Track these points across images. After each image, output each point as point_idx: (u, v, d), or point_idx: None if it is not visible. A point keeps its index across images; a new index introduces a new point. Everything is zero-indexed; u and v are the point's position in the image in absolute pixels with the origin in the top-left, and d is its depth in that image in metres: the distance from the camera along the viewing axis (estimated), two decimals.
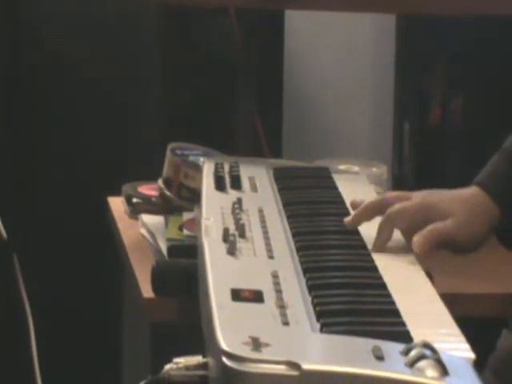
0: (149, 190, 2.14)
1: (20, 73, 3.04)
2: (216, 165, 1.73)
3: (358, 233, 1.45)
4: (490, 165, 1.56)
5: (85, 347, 3.05)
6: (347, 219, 1.45)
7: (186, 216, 1.93)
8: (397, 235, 1.44)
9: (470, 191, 1.52)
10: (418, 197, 1.51)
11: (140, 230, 2.05)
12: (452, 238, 1.44)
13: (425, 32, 2.69)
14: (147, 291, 1.72)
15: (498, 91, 2.41)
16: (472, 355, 1.01)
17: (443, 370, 0.90)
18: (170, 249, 1.81)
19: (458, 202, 1.51)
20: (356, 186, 1.77)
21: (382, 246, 1.41)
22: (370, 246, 1.41)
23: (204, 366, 1.10)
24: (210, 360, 1.07)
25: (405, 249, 1.43)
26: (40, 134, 3.03)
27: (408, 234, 1.42)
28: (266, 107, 2.73)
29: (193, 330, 1.25)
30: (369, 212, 1.46)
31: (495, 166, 1.56)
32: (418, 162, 2.67)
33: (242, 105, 2.67)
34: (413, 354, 0.92)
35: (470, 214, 1.49)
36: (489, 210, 1.50)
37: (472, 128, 2.47)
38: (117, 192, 2.22)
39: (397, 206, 1.44)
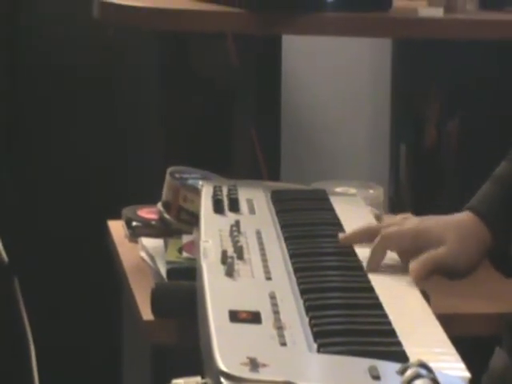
0: (148, 213, 2.14)
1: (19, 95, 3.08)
2: (214, 188, 1.74)
3: (354, 254, 1.45)
4: (482, 190, 1.58)
5: (84, 370, 3.06)
6: (342, 235, 1.48)
7: (186, 239, 1.93)
8: (393, 256, 1.47)
9: (463, 216, 1.55)
10: (413, 222, 1.54)
11: (140, 253, 2.05)
12: (446, 265, 1.47)
13: (420, 55, 2.72)
14: (147, 314, 1.72)
15: (493, 113, 2.44)
16: (467, 374, 1.02)
17: None
18: (170, 271, 1.82)
19: (452, 228, 1.53)
20: (353, 208, 1.79)
21: (374, 266, 1.43)
22: (369, 274, 1.42)
23: None
24: (208, 381, 1.06)
25: (401, 270, 1.44)
26: (39, 156, 3.07)
27: (402, 256, 1.46)
28: (264, 131, 2.74)
29: (192, 352, 1.25)
30: (365, 234, 1.50)
31: (487, 192, 1.58)
32: (414, 184, 2.67)
33: (240, 129, 2.68)
34: (409, 373, 0.92)
35: (463, 240, 1.52)
36: (481, 235, 1.53)
37: (468, 150, 2.49)
38: (117, 215, 2.22)
39: (391, 229, 1.47)
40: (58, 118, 3.08)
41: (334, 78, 3.15)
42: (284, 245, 1.47)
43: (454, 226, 1.53)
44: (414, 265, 1.41)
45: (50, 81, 3.13)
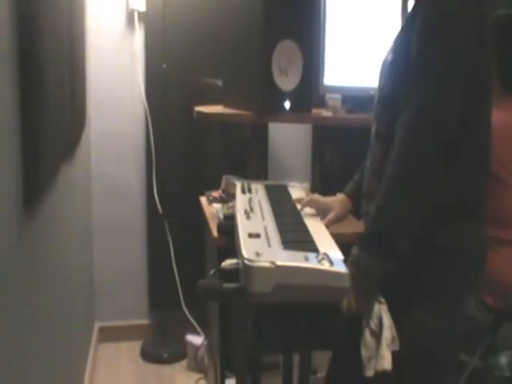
0: (215, 193, 3.17)
1: None
2: (242, 183, 2.51)
3: (298, 210, 2.21)
4: (349, 184, 2.35)
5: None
6: (292, 200, 2.27)
7: (230, 204, 2.79)
8: (312, 211, 2.24)
9: (341, 195, 2.34)
10: (319, 197, 2.32)
11: (212, 210, 2.95)
12: (336, 218, 2.27)
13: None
14: (215, 233, 2.56)
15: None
16: (342, 257, 1.68)
17: (331, 263, 1.64)
18: (224, 217, 2.61)
19: (336, 200, 2.33)
20: (296, 192, 2.51)
21: (302, 209, 2.19)
22: (304, 217, 2.13)
23: (237, 263, 1.79)
24: (239, 261, 1.72)
25: (315, 216, 2.20)
26: None
27: (316, 210, 2.25)
28: (260, 159, 3.49)
29: (233, 250, 1.87)
30: (302, 200, 2.26)
31: (350, 184, 2.35)
32: (323, 181, 3.61)
33: (253, 158, 3.38)
34: (320, 257, 1.66)
35: (341, 205, 2.31)
36: (348, 203, 2.33)
37: (342, 173, 3.02)
38: (203, 194, 3.20)
39: (311, 198, 2.28)
40: None
41: None
42: (270, 207, 2.19)
43: (337, 200, 2.34)
44: (325, 220, 2.20)
45: None
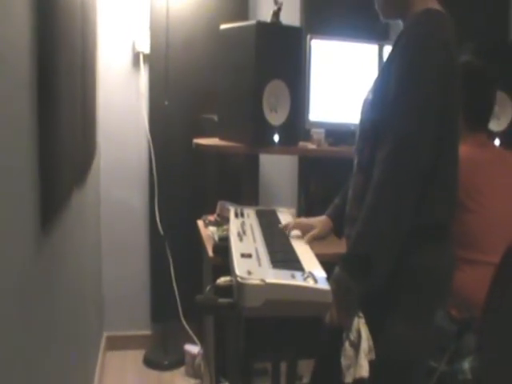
0: (211, 217, 3.15)
1: None
2: (235, 208, 2.56)
3: (285, 233, 2.23)
4: (330, 206, 2.35)
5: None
6: (280, 225, 2.31)
7: (225, 227, 2.74)
8: (298, 233, 2.25)
9: (323, 217, 2.34)
10: (304, 220, 2.35)
11: (208, 232, 2.89)
12: (317, 236, 2.28)
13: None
14: (210, 253, 2.54)
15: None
16: (325, 275, 1.72)
17: (315, 281, 1.67)
18: (219, 238, 2.59)
19: (318, 221, 2.33)
20: (284, 216, 2.53)
21: (288, 233, 2.22)
22: (291, 239, 2.15)
23: (231, 280, 1.82)
24: (233, 279, 1.74)
25: (301, 238, 2.22)
26: None
27: (301, 232, 2.26)
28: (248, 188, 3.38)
29: (227, 269, 1.86)
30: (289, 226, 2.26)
31: (331, 207, 2.36)
32: (308, 206, 3.65)
33: (246, 187, 3.34)
34: (305, 275, 1.69)
35: (323, 226, 2.31)
36: (329, 223, 2.32)
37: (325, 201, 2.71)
38: (200, 217, 3.20)
39: (297, 222, 2.33)
40: None
41: None
42: (261, 230, 2.20)
43: (320, 221, 2.34)
44: (306, 238, 2.23)
45: None
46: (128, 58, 4.04)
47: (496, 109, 3.02)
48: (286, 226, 2.28)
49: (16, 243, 1.28)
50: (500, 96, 3.18)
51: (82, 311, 2.66)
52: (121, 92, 4.04)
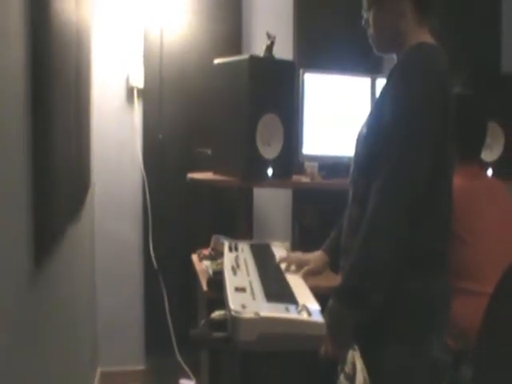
0: (205, 251, 3.14)
1: None
2: (230, 242, 2.50)
3: (279, 266, 2.22)
4: (326, 241, 2.32)
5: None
6: (276, 259, 2.29)
7: (219, 261, 2.74)
8: (293, 268, 2.22)
9: (319, 252, 2.33)
10: (299, 255, 2.32)
11: (203, 266, 2.92)
12: (312, 271, 2.26)
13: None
14: (205, 288, 2.57)
15: None
16: (319, 308, 1.69)
17: (309, 314, 1.65)
18: (213, 272, 2.62)
19: (313, 257, 2.31)
20: (278, 250, 2.50)
21: (285, 268, 2.21)
22: (284, 272, 2.15)
23: (225, 314, 1.77)
24: (227, 312, 1.69)
25: (295, 272, 2.21)
26: None
27: (296, 267, 2.24)
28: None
29: (222, 303, 1.81)
30: (283, 259, 2.27)
31: (327, 242, 2.33)
32: (301, 242, 3.53)
33: (240, 221, 3.26)
34: (299, 308, 1.67)
35: (318, 261, 2.30)
36: (325, 258, 2.32)
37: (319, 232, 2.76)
38: (195, 251, 3.16)
39: (291, 257, 2.31)
40: None
41: None
42: (255, 264, 2.18)
43: (315, 256, 2.32)
44: (301, 272, 2.22)
45: None
46: (122, 92, 4.07)
47: (488, 139, 3.03)
48: (282, 261, 2.27)
49: (8, 280, 1.26)
50: (492, 126, 3.21)
51: (75, 348, 2.63)
52: (115, 126, 4.06)
